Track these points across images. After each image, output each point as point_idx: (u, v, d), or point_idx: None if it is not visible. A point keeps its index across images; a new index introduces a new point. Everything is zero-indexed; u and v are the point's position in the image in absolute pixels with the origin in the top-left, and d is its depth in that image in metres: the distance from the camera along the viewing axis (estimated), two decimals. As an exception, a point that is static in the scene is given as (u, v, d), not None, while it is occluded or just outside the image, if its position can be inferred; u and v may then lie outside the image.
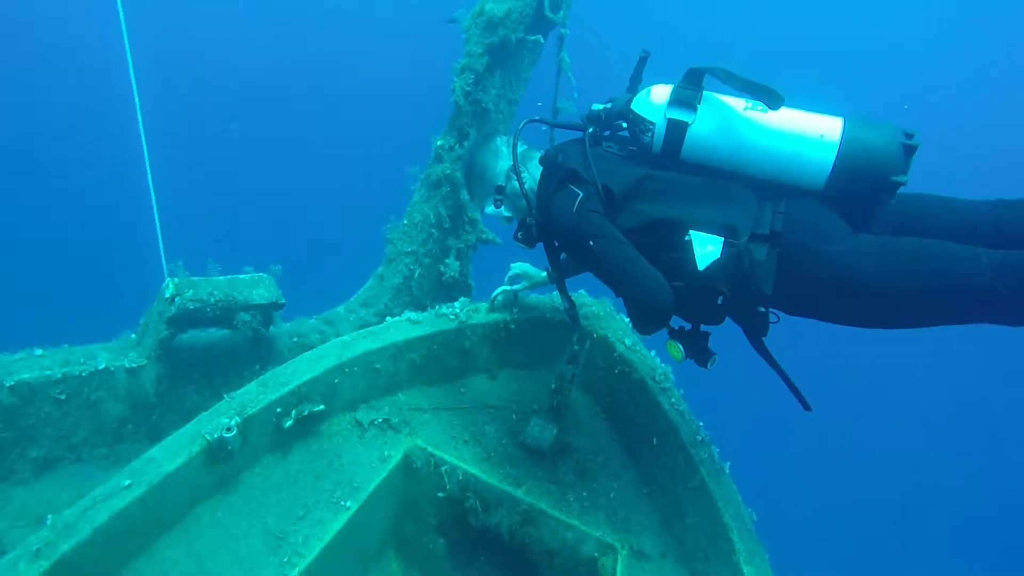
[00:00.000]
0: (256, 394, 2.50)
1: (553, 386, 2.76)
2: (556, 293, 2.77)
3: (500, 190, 2.51)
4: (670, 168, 2.16)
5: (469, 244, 4.10)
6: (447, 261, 4.04)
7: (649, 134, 2.16)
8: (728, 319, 2.13)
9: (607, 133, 2.39)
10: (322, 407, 2.65)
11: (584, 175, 2.16)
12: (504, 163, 2.53)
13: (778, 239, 1.95)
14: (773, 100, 1.97)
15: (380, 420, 2.81)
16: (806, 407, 2.15)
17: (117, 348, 3.11)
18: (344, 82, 23.10)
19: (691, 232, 1.99)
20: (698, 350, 2.15)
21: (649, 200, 2.10)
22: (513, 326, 3.13)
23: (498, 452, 2.82)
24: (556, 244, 2.41)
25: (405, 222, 4.07)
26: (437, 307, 3.05)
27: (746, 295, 2.00)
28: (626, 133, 2.34)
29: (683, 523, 2.60)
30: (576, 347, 2.82)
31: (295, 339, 3.51)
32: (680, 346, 2.14)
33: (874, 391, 16.68)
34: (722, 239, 1.97)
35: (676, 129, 2.10)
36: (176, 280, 2.96)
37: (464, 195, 3.96)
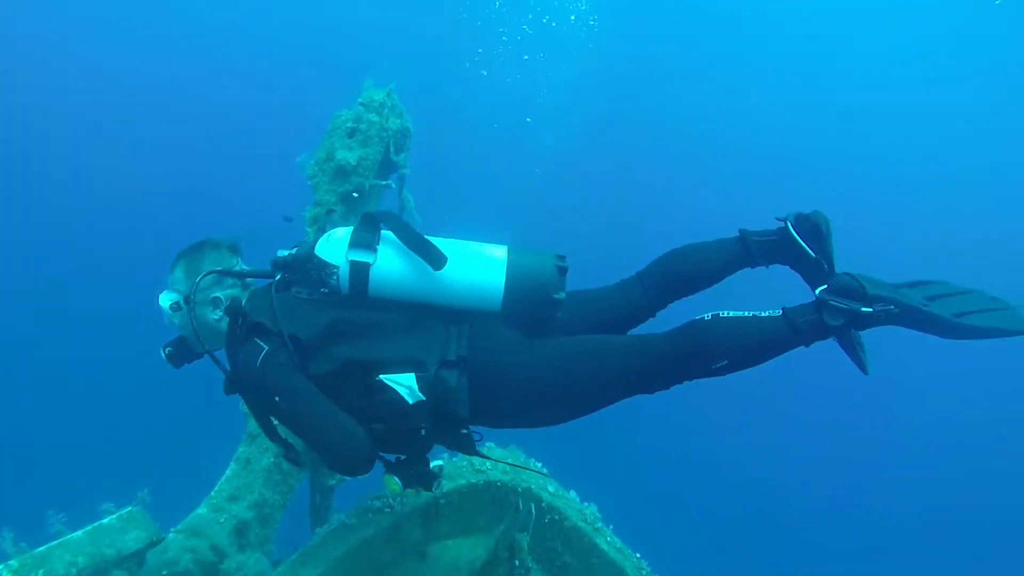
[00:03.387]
0: None
1: (516, 562, 2.73)
2: (473, 457, 2.51)
3: (187, 300, 2.27)
4: (361, 307, 2.19)
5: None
6: (320, 425, 3.67)
7: (335, 277, 2.18)
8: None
9: (297, 277, 2.30)
10: (272, 671, 2.21)
11: (270, 326, 2.09)
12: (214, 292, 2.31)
13: (466, 363, 2.10)
14: (437, 261, 2.12)
15: (332, 657, 2.44)
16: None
17: None
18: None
19: (380, 376, 2.05)
20: (419, 477, 2.22)
21: (340, 342, 2.12)
22: (443, 500, 3.02)
23: (459, 646, 2.67)
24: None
25: (266, 390, 3.59)
26: (369, 500, 2.79)
27: (446, 421, 2.11)
28: (315, 276, 2.27)
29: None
30: (523, 513, 2.84)
31: (165, 572, 2.80)
32: (397, 479, 2.18)
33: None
34: (413, 375, 2.06)
35: (359, 270, 2.15)
36: (14, 565, 2.09)
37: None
